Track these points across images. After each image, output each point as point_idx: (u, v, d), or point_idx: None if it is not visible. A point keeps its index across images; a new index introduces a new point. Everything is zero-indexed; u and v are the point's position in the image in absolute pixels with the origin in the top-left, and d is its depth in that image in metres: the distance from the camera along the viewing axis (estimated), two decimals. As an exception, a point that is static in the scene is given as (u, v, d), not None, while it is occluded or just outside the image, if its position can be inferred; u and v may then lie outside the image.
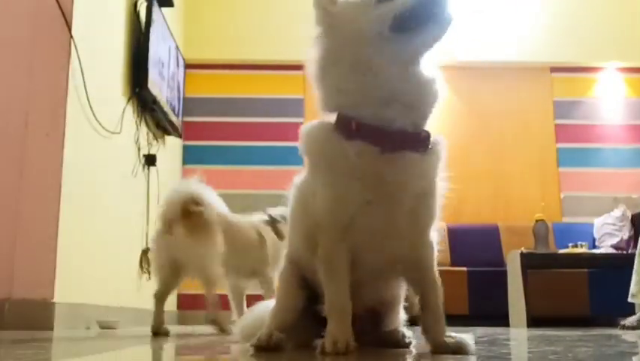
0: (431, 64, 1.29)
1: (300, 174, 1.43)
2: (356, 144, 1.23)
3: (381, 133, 1.23)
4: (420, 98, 1.27)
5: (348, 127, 1.25)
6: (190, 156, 5.92)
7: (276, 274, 2.80)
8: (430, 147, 1.27)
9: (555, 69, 6.23)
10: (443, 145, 1.31)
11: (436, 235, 1.36)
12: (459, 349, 1.26)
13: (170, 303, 5.48)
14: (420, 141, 1.25)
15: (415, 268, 1.33)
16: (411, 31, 1.23)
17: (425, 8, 1.21)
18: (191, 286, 5.65)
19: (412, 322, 1.52)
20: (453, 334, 1.29)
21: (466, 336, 1.30)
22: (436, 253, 1.36)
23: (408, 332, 1.52)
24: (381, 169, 1.22)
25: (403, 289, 1.50)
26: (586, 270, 4.98)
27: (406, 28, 1.23)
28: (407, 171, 1.24)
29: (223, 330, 2.77)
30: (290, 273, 1.49)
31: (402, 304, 1.53)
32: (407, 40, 1.24)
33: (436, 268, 1.35)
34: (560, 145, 6.13)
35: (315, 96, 1.38)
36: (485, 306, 4.86)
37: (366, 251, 1.30)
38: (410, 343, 1.49)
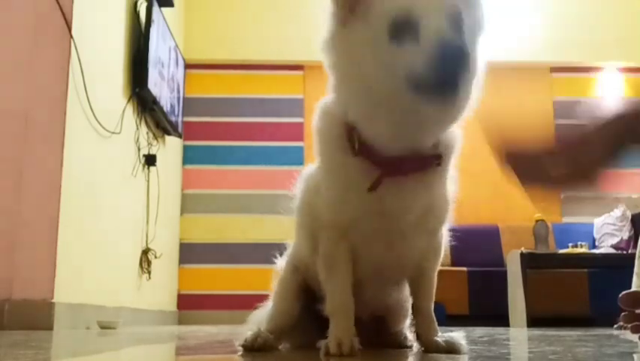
0: None
1: (308, 168, 1.38)
2: (359, 162, 1.17)
3: (383, 157, 1.16)
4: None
5: (352, 144, 1.18)
6: (190, 156, 5.92)
7: None
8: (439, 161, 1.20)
9: (555, 69, 6.23)
10: (454, 144, 1.24)
11: (446, 236, 1.35)
12: (452, 348, 1.26)
13: (170, 303, 5.48)
14: (427, 163, 1.18)
15: (415, 269, 1.32)
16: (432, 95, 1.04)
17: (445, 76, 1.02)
18: (191, 286, 5.68)
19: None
20: (445, 334, 1.29)
21: (457, 335, 1.29)
22: (441, 256, 1.34)
23: (410, 335, 1.51)
24: (382, 193, 1.17)
25: (406, 291, 1.49)
26: (586, 270, 4.98)
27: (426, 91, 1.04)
28: (409, 196, 1.19)
29: None
30: (289, 276, 1.47)
31: (407, 306, 1.52)
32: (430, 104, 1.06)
33: (436, 271, 1.34)
34: (560, 145, 6.12)
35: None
36: (485, 306, 4.86)
37: (369, 253, 1.27)
38: (412, 345, 1.49)
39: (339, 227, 1.24)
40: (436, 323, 1.31)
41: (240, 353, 1.33)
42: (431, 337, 1.29)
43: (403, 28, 1.04)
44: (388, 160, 1.16)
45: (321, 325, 1.31)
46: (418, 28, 1.02)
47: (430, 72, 1.00)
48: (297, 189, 1.39)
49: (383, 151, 1.15)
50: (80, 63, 3.23)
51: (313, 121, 1.27)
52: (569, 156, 1.06)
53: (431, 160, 1.19)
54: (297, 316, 1.43)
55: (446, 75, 1.00)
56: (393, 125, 1.11)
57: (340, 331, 1.21)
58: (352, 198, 1.19)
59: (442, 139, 1.20)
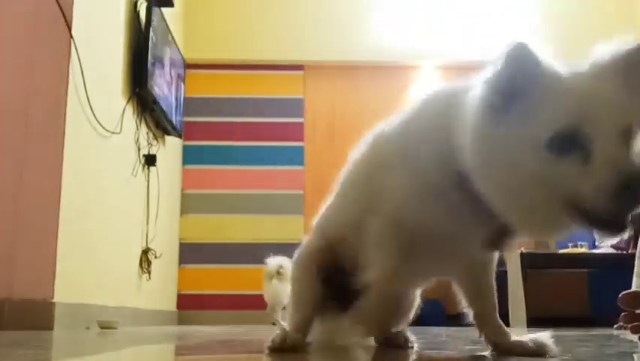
0: None
1: (379, 129, 1.25)
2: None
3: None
4: None
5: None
6: (190, 156, 5.92)
7: None
8: None
9: (555, 69, 6.23)
10: None
11: None
12: (541, 350, 1.17)
13: (170, 303, 5.48)
14: None
15: (474, 273, 1.26)
16: None
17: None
18: (191, 286, 5.68)
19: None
20: (531, 335, 1.20)
21: (544, 335, 1.20)
22: (495, 265, 1.29)
23: (412, 336, 1.50)
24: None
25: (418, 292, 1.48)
26: (586, 270, 4.98)
27: None
28: None
29: None
30: (309, 259, 1.41)
31: (410, 305, 1.50)
32: None
33: (493, 278, 1.28)
34: (560, 145, 6.13)
35: None
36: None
37: (424, 252, 1.18)
38: (412, 347, 1.48)
39: (400, 224, 1.14)
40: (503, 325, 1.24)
41: (266, 353, 1.30)
42: (510, 341, 1.20)
43: (568, 142, 0.90)
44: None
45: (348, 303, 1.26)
46: (589, 146, 0.89)
47: (601, 202, 0.88)
48: (357, 152, 1.30)
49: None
50: (80, 63, 3.23)
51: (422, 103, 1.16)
52: None
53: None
54: (320, 301, 1.39)
55: (620, 209, 0.89)
56: (531, 226, 1.03)
57: (377, 300, 1.13)
58: (435, 211, 1.08)
59: None
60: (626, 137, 0.92)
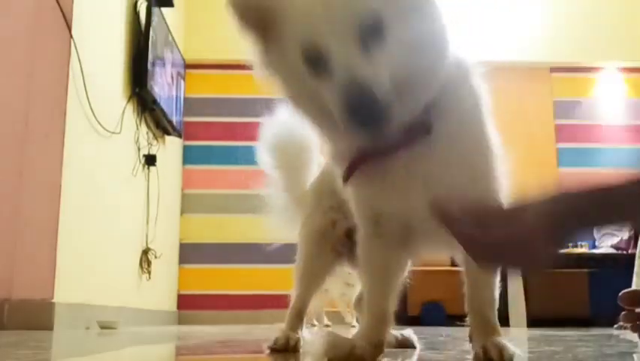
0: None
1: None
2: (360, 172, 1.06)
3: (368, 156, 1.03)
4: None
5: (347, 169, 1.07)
6: (190, 156, 5.92)
7: None
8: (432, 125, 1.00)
9: (555, 69, 6.23)
10: (462, 104, 1.07)
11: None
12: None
13: (170, 303, 5.48)
14: (409, 138, 1.00)
15: (472, 273, 1.17)
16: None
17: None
18: (191, 286, 5.68)
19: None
20: (498, 339, 1.08)
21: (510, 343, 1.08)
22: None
23: (413, 336, 1.51)
24: (386, 191, 1.06)
25: None
26: (586, 270, 4.98)
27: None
28: (412, 183, 1.03)
29: None
30: (331, 221, 1.42)
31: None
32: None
33: (493, 277, 1.18)
34: (560, 145, 6.13)
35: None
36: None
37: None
38: (415, 347, 1.48)
39: (370, 225, 1.13)
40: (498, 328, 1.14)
41: (266, 352, 1.33)
42: (495, 341, 1.09)
43: (316, 61, 0.91)
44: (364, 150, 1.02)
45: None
46: (328, 61, 0.89)
47: (341, 118, 0.88)
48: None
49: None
50: (80, 63, 3.23)
51: None
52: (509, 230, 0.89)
53: (413, 133, 0.99)
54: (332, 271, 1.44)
55: (356, 125, 0.88)
56: (331, 141, 1.08)
57: (368, 336, 1.09)
58: (375, 197, 1.08)
59: (437, 102, 1.00)
60: (371, 31, 0.88)
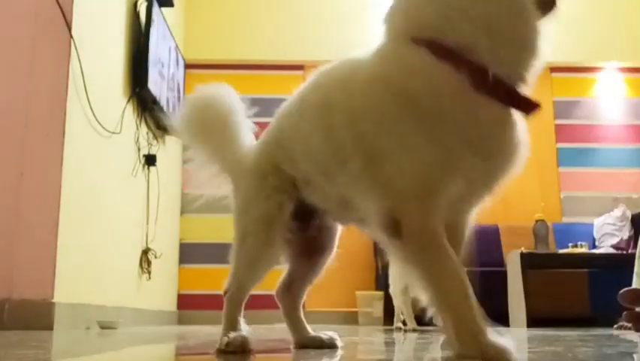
0: None
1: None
2: (496, 108, 0.99)
3: (519, 96, 1.00)
4: (538, 53, 1.05)
5: (482, 79, 0.97)
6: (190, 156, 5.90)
7: None
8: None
9: (555, 69, 6.23)
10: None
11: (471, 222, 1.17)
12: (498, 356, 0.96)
13: (170, 303, 5.48)
14: (530, 104, 1.03)
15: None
16: None
17: None
18: (191, 286, 5.68)
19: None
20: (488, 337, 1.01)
21: (506, 340, 1.01)
22: (465, 239, 1.16)
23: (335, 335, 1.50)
24: (506, 140, 1.02)
25: None
26: (586, 270, 4.97)
27: None
28: (509, 133, 1.02)
29: None
30: (278, 204, 1.32)
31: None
32: None
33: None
34: (560, 145, 6.13)
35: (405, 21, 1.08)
36: (485, 306, 4.83)
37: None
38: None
39: (436, 199, 1.01)
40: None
41: (214, 355, 1.29)
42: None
43: None
44: (517, 96, 1.00)
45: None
46: None
47: None
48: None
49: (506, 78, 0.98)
50: (80, 63, 3.23)
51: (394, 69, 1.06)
52: None
53: (532, 103, 1.02)
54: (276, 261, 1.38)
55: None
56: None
57: (475, 328, 0.97)
58: (466, 154, 0.98)
59: None
60: None
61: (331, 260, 1.49)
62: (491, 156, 1.00)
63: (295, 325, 1.52)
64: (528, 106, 1.02)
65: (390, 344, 2.02)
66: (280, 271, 1.54)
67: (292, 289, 1.53)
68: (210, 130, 1.52)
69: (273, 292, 1.56)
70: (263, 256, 1.35)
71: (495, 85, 0.97)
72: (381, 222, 1.03)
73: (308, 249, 1.47)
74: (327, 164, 1.19)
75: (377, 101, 1.04)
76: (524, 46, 1.00)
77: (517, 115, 1.04)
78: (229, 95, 1.53)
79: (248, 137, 1.54)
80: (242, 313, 1.39)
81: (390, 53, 1.08)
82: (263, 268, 1.36)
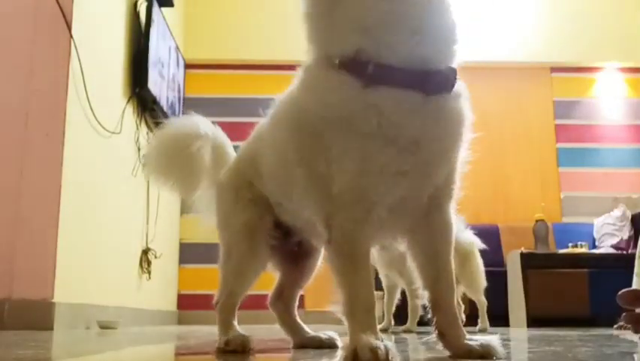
0: None
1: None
2: (391, 94, 0.99)
3: (420, 75, 1.01)
4: (447, 27, 1.13)
5: (362, 72, 1.00)
6: (190, 156, 5.91)
7: None
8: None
9: (555, 69, 6.23)
10: (463, 86, 1.13)
11: (457, 220, 1.18)
12: (487, 354, 1.06)
13: (170, 303, 5.48)
14: (452, 81, 1.07)
15: (429, 254, 1.14)
16: None
17: None
18: (191, 286, 5.68)
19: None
20: (475, 336, 1.12)
21: (493, 338, 1.10)
22: (452, 239, 1.15)
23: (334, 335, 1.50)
24: (423, 122, 1.01)
25: None
26: (586, 270, 4.97)
27: None
28: (450, 123, 1.04)
29: None
30: (257, 215, 1.35)
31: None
32: None
33: (451, 256, 1.15)
34: (560, 145, 6.13)
35: (310, 43, 1.17)
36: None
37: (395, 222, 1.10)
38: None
39: (365, 207, 1.03)
40: (460, 320, 1.14)
41: (214, 355, 1.31)
42: (461, 340, 1.10)
43: None
44: (427, 76, 1.02)
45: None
46: None
47: None
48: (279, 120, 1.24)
49: (411, 65, 1.01)
50: (80, 63, 3.23)
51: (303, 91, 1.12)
52: None
53: (451, 75, 1.07)
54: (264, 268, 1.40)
55: None
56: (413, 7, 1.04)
57: (367, 335, 0.99)
58: (387, 151, 0.99)
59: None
60: None
61: (320, 263, 1.51)
62: (416, 142, 1.01)
63: (292, 328, 1.53)
64: (441, 82, 1.04)
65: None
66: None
67: (283, 297, 1.55)
68: (179, 163, 1.64)
69: (273, 293, 1.57)
70: (249, 264, 1.37)
71: (383, 73, 0.99)
72: (320, 232, 1.10)
73: (294, 255, 1.50)
74: (285, 186, 1.23)
75: (295, 127, 1.12)
76: (413, 26, 1.04)
77: (448, 99, 1.05)
78: (195, 123, 1.64)
79: (225, 157, 1.66)
80: (236, 319, 1.42)
81: (302, 77, 1.16)
82: (250, 276, 1.39)
